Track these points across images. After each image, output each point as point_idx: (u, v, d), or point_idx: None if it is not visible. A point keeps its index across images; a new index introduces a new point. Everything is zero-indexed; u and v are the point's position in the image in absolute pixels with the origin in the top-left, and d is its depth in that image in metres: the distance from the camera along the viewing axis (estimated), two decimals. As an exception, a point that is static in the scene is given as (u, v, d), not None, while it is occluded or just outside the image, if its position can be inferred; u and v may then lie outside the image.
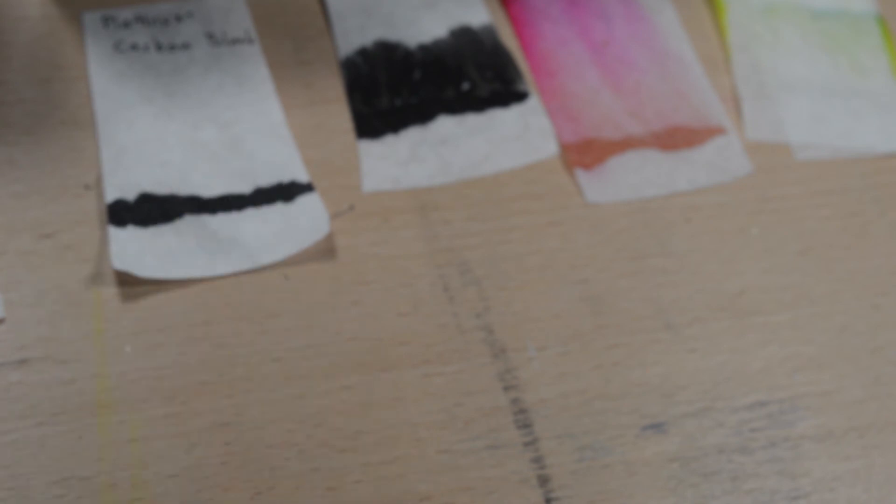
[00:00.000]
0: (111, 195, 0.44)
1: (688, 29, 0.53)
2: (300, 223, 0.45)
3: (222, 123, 0.47)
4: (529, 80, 0.51)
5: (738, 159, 0.49)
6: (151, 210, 0.44)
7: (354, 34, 0.51)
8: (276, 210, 0.45)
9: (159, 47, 0.49)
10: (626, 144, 0.49)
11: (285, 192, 0.45)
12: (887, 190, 0.49)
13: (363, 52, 0.50)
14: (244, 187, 0.45)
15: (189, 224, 0.44)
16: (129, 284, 0.42)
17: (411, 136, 0.48)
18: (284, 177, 0.46)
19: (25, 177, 0.45)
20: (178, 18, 0.50)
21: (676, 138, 0.50)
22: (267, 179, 0.46)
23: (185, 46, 0.49)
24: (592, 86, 0.51)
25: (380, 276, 0.44)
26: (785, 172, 0.49)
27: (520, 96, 0.50)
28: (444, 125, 0.48)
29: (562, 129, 0.49)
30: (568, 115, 0.50)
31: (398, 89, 0.49)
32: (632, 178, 0.48)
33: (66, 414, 0.39)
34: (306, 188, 0.46)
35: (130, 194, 0.44)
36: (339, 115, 0.48)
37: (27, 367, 0.40)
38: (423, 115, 0.49)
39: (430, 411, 0.41)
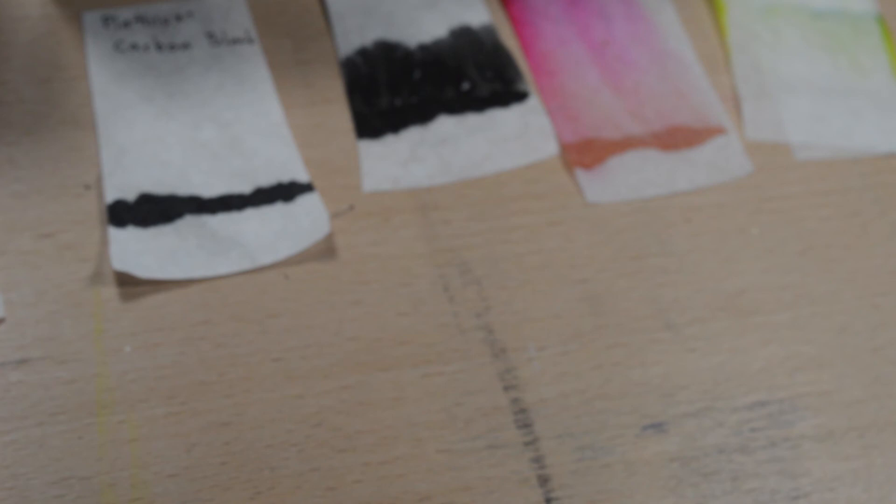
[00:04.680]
0: (111, 195, 0.44)
1: (688, 29, 0.53)
2: (300, 223, 0.45)
3: (222, 123, 0.47)
4: (529, 80, 0.51)
5: (738, 159, 0.49)
6: (151, 210, 0.44)
7: (354, 34, 0.51)
8: (276, 210, 0.45)
9: (159, 47, 0.49)
10: (626, 144, 0.49)
11: (285, 191, 0.45)
12: (887, 190, 0.49)
13: (363, 52, 0.50)
14: (244, 187, 0.45)
15: (189, 224, 0.44)
16: (129, 284, 0.42)
17: (411, 136, 0.48)
18: (284, 177, 0.46)
19: (25, 177, 0.45)
20: (179, 18, 0.50)
21: (676, 138, 0.50)
22: (267, 179, 0.46)
23: (185, 46, 0.49)
24: (592, 86, 0.51)
25: (380, 276, 0.44)
26: (785, 172, 0.49)
27: (520, 96, 0.50)
28: (444, 125, 0.48)
29: (562, 128, 0.49)
30: (568, 114, 0.50)
31: (398, 89, 0.49)
32: (632, 177, 0.48)
33: (66, 414, 0.39)
34: (306, 188, 0.46)
35: (130, 194, 0.44)
36: (339, 115, 0.48)
37: (27, 367, 0.40)
38: (423, 114, 0.49)
39: (430, 411, 0.41)
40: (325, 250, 0.44)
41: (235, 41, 0.50)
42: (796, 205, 0.48)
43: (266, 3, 0.51)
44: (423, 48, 0.51)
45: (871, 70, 0.53)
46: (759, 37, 0.53)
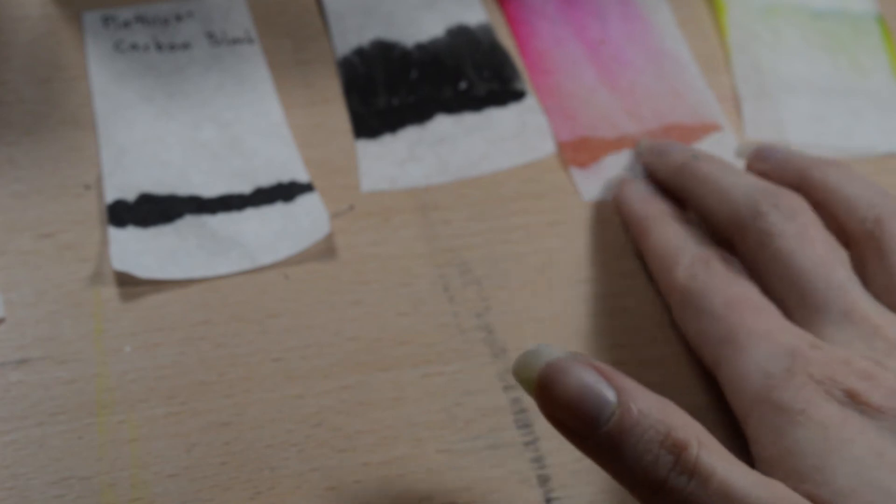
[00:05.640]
0: (111, 195, 0.44)
1: (687, 28, 0.53)
2: (300, 223, 0.45)
3: (222, 123, 0.47)
4: (526, 79, 0.51)
5: (734, 156, 0.49)
6: (151, 210, 0.44)
7: (352, 34, 0.51)
8: (276, 210, 0.45)
9: (159, 47, 0.49)
10: (621, 143, 0.49)
11: (285, 191, 0.45)
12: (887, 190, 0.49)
13: (360, 52, 0.50)
14: (244, 187, 0.45)
15: (189, 224, 0.44)
16: (129, 284, 0.42)
17: (409, 136, 0.48)
18: (284, 176, 0.46)
19: (25, 176, 0.45)
20: (179, 18, 0.50)
21: (672, 136, 0.50)
22: (267, 179, 0.46)
23: (185, 46, 0.49)
24: (588, 84, 0.51)
25: (380, 276, 0.44)
26: (784, 172, 0.49)
27: (517, 95, 0.50)
28: (442, 124, 0.48)
29: (558, 127, 0.49)
30: (564, 113, 0.50)
31: (396, 89, 0.49)
32: (627, 176, 0.48)
33: (66, 414, 0.39)
34: (306, 188, 0.46)
35: (130, 194, 0.44)
36: (339, 114, 0.48)
37: (27, 367, 0.40)
38: (420, 114, 0.49)
39: (430, 411, 0.41)
40: (325, 250, 0.44)
41: (235, 41, 0.50)
42: (796, 205, 0.48)
43: (266, 3, 0.51)
44: (421, 47, 0.51)
45: (871, 70, 0.53)
46: (759, 37, 0.54)
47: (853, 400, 0.35)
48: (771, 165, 0.46)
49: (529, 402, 0.42)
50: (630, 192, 0.46)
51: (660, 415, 0.33)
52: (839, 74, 0.53)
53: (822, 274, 0.40)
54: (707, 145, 0.49)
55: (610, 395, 0.33)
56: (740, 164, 0.48)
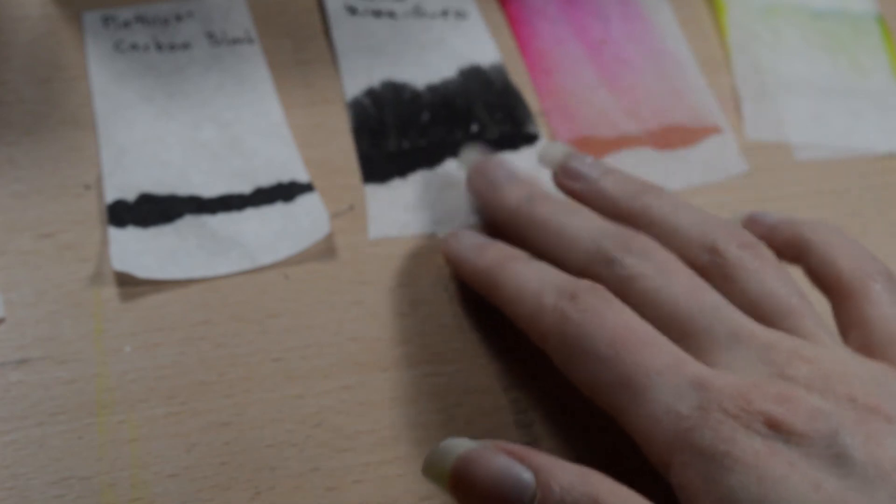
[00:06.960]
0: (111, 196, 0.44)
1: (687, 28, 0.53)
2: (300, 223, 0.45)
3: (222, 123, 0.47)
4: (526, 79, 0.51)
5: (733, 158, 0.49)
6: (151, 210, 0.44)
7: (362, 74, 0.50)
8: (276, 210, 0.45)
9: (159, 47, 0.49)
10: (621, 143, 0.49)
11: (285, 191, 0.45)
12: (887, 190, 0.49)
13: (371, 93, 0.49)
14: (244, 187, 0.45)
15: (189, 224, 0.44)
16: (129, 284, 0.42)
17: (418, 180, 0.47)
18: (284, 176, 0.46)
19: (25, 176, 0.45)
20: (179, 18, 0.50)
21: (671, 137, 0.50)
22: (267, 179, 0.46)
23: (185, 46, 0.49)
24: (589, 84, 0.51)
25: (380, 276, 0.44)
26: (785, 172, 0.49)
27: (529, 139, 0.49)
28: (452, 168, 0.48)
29: (557, 127, 0.49)
30: (564, 113, 0.50)
31: (406, 131, 0.48)
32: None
33: (65, 414, 0.39)
34: (306, 188, 0.46)
35: (130, 195, 0.44)
36: (339, 115, 0.48)
37: (27, 367, 0.40)
38: (430, 157, 0.48)
39: (430, 411, 0.41)
40: (325, 250, 0.44)
41: (235, 41, 0.50)
42: (796, 205, 0.48)
43: (266, 3, 0.51)
44: (432, 89, 0.50)
45: (871, 70, 0.53)
46: (759, 37, 0.54)
47: (776, 430, 0.33)
48: (582, 187, 0.43)
49: (530, 403, 0.42)
50: (459, 248, 0.43)
51: (583, 487, 0.32)
52: (839, 74, 0.53)
53: (697, 301, 0.37)
54: (707, 147, 0.49)
55: (527, 476, 0.32)
56: (742, 166, 0.48)
